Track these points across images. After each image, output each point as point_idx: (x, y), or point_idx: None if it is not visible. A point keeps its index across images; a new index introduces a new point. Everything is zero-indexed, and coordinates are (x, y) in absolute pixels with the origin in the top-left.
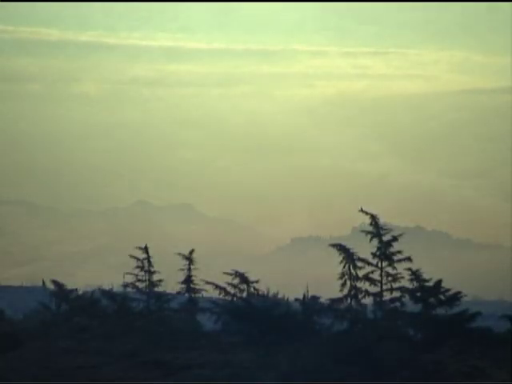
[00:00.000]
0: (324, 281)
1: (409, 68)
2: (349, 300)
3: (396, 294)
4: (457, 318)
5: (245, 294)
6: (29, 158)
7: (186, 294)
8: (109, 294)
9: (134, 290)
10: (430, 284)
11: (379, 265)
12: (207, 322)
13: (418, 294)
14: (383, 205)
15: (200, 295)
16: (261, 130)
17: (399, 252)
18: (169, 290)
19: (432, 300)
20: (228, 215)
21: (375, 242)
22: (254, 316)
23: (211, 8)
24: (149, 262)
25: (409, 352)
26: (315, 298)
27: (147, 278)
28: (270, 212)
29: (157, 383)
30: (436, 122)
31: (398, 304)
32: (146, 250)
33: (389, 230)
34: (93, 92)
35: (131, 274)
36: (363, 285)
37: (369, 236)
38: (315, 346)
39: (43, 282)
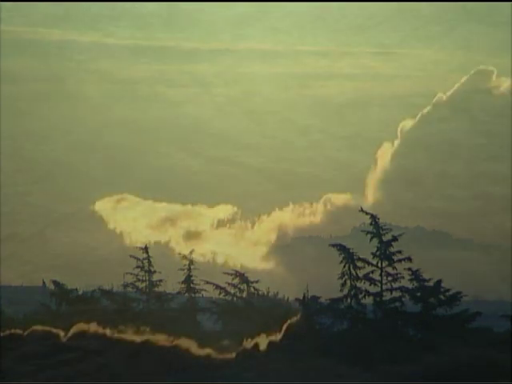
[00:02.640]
0: (324, 281)
1: (409, 68)
2: (349, 300)
3: (396, 294)
4: (457, 318)
5: (245, 294)
6: (29, 158)
7: (186, 294)
8: (109, 294)
9: (134, 290)
10: (430, 284)
11: (379, 265)
12: (207, 322)
13: (418, 294)
14: (385, 204)
15: (200, 295)
16: (261, 129)
17: (399, 252)
18: (169, 290)
19: (432, 300)
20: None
21: (375, 241)
22: (254, 315)
23: (211, 8)
24: (149, 261)
25: (409, 352)
26: (315, 298)
27: (147, 278)
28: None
29: (157, 383)
30: (435, 122)
31: (398, 304)
32: (146, 250)
33: (389, 230)
34: (93, 92)
35: (131, 273)
36: (363, 285)
37: (369, 236)
38: (315, 345)
39: (43, 282)
